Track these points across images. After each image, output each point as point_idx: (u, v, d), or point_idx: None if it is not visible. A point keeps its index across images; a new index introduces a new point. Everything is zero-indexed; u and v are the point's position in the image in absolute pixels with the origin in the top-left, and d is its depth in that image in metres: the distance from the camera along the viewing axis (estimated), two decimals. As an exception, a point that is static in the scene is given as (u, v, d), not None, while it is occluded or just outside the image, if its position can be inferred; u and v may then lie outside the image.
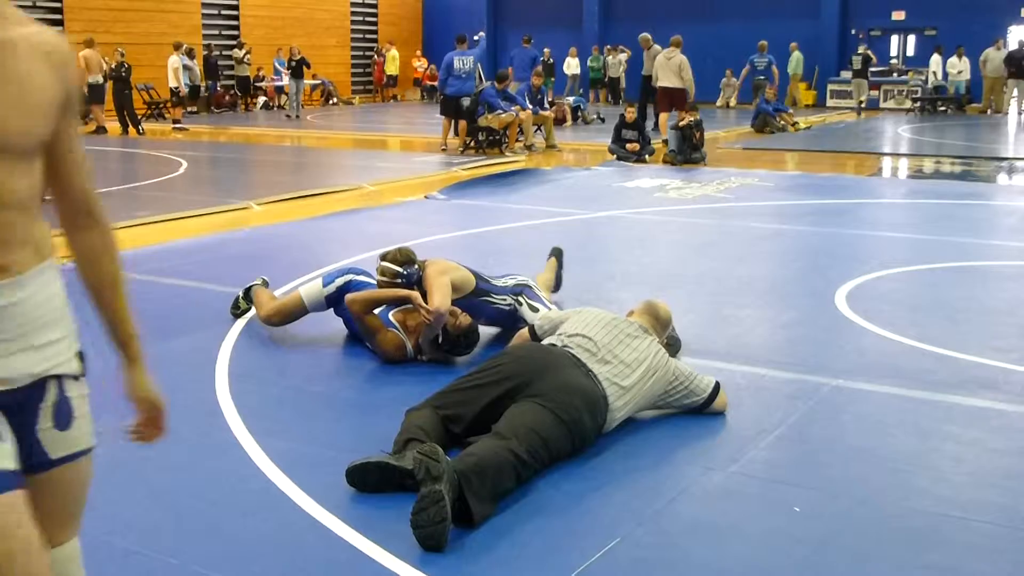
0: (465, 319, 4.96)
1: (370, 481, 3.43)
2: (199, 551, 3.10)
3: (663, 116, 16.28)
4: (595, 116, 21.77)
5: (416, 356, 5.01)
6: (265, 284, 5.80)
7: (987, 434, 4.06)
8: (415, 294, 4.96)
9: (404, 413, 3.86)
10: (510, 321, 5.28)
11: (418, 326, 4.98)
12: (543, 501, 3.43)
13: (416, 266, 5.13)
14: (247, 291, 5.76)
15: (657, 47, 17.34)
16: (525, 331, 4.62)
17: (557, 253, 6.25)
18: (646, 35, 18.35)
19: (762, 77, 22.98)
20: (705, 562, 3.06)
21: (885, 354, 5.16)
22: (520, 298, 5.31)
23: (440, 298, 4.87)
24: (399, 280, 5.08)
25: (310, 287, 5.46)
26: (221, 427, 4.14)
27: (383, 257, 5.20)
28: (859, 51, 24.88)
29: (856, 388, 4.61)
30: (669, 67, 16.15)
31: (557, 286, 6.11)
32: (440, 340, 4.96)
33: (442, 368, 4.88)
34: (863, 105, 24.67)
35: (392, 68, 31.38)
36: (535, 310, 5.18)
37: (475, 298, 5.18)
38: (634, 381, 3.98)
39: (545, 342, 4.21)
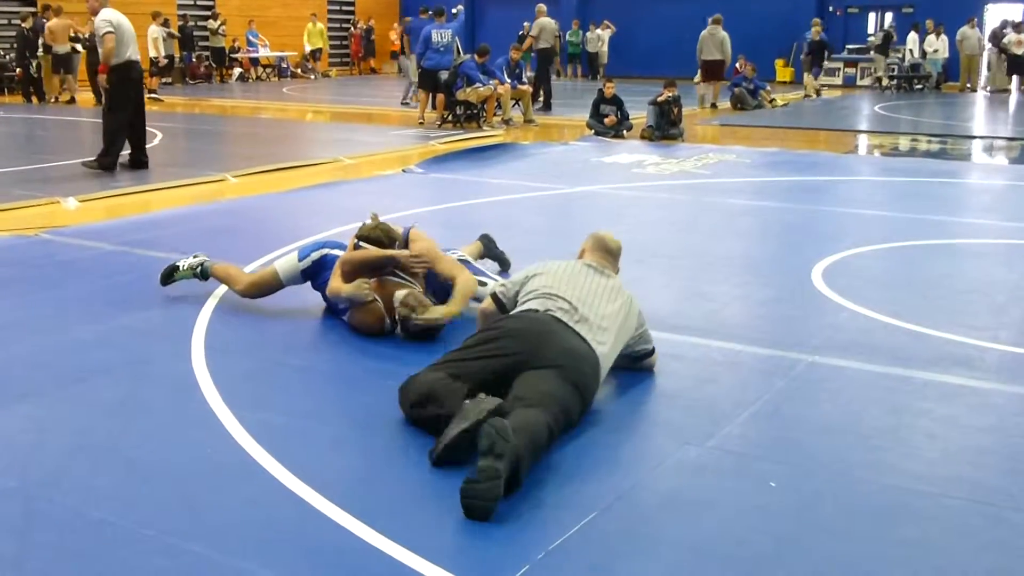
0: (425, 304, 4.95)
1: (462, 449, 3.41)
2: (174, 522, 3.09)
3: (715, 85, 19.54)
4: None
5: (394, 330, 5.00)
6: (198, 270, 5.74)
7: (960, 411, 4.10)
8: (403, 252, 5.02)
9: (408, 378, 3.88)
10: (448, 295, 5.21)
11: (389, 301, 4.95)
12: (520, 475, 3.43)
13: (396, 242, 5.14)
14: (203, 270, 5.69)
15: (548, 19, 19.66)
16: (489, 300, 4.52)
17: (485, 240, 6.26)
18: (542, 5, 20.12)
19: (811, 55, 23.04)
20: (681, 536, 3.08)
21: (860, 331, 5.18)
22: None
23: (425, 244, 5.10)
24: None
25: (285, 261, 5.43)
26: (197, 399, 4.12)
27: (361, 236, 5.11)
28: (884, 27, 25.38)
29: (832, 364, 4.64)
30: (712, 42, 18.98)
31: (505, 266, 6.18)
32: (401, 331, 4.97)
33: (420, 344, 4.86)
34: (884, 83, 24.98)
35: (315, 41, 29.52)
36: (483, 284, 5.24)
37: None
38: (611, 336, 4.09)
39: (519, 309, 4.20)
